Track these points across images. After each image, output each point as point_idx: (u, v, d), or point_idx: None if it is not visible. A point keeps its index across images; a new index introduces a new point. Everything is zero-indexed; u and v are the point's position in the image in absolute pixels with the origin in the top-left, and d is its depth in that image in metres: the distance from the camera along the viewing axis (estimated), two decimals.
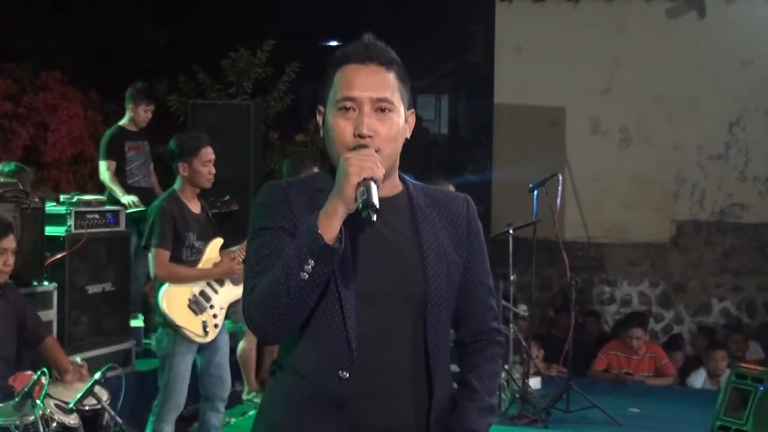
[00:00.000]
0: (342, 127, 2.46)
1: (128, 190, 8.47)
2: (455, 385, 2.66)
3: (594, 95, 12.22)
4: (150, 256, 5.83)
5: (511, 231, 8.19)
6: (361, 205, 2.29)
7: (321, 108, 2.57)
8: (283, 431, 2.50)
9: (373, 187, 2.30)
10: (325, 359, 2.43)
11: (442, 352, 2.52)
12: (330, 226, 2.31)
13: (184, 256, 5.87)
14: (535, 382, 8.61)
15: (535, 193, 8.37)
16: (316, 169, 7.21)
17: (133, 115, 8.68)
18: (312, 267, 2.30)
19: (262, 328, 2.41)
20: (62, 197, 7.14)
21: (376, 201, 2.28)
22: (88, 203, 7.13)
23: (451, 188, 8.05)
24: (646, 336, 9.79)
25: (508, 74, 12.60)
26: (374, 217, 2.28)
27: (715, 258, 12.02)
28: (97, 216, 7.13)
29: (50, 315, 6.56)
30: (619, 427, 7.71)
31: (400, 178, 2.62)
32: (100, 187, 8.85)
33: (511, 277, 8.27)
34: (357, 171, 2.30)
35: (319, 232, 2.29)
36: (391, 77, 2.50)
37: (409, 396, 2.48)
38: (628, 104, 12.10)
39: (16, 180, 6.64)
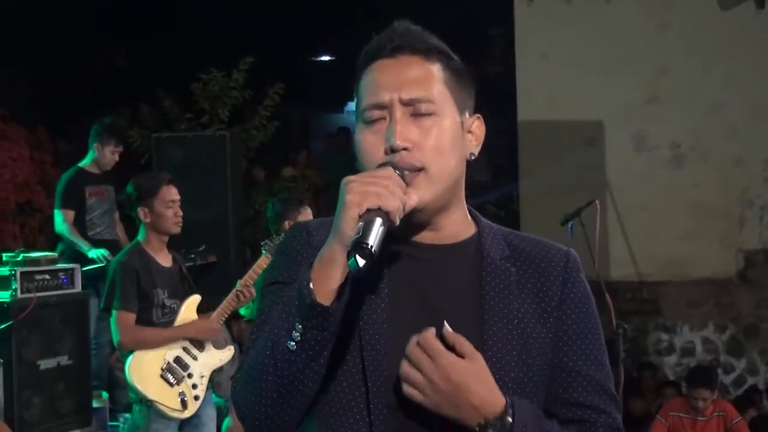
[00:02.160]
0: (370, 144, 2.16)
1: (89, 243, 8.53)
2: None
3: (637, 106, 12.24)
4: (112, 320, 5.86)
5: None
6: (350, 247, 1.94)
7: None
8: None
9: (377, 222, 1.95)
10: None
11: None
12: (326, 277, 1.98)
13: (154, 317, 5.91)
14: None
15: (570, 225, 8.38)
16: (307, 210, 7.25)
17: (98, 156, 8.77)
18: (300, 333, 1.97)
19: (248, 416, 2.10)
20: (5, 256, 7.18)
21: (371, 241, 1.93)
22: (36, 262, 7.18)
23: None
24: (714, 395, 9.74)
25: (533, 86, 12.65)
26: (361, 263, 1.92)
27: None
28: (47, 276, 7.17)
29: None
30: None
31: (472, 215, 2.30)
32: (53, 243, 8.90)
33: None
34: (357, 200, 1.96)
35: (311, 286, 1.96)
36: (433, 69, 2.18)
37: None
38: (679, 115, 12.11)
39: None
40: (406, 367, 2.02)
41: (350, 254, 1.94)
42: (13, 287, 6.91)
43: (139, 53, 15.33)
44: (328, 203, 14.84)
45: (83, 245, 8.43)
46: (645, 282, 12.15)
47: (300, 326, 1.98)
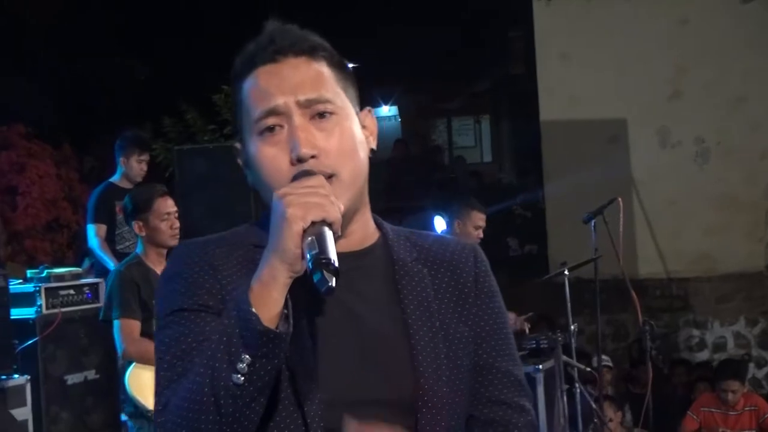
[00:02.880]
0: (271, 158, 2.00)
1: (117, 257, 8.52)
2: None
3: (660, 103, 12.17)
4: (114, 330, 5.80)
5: (566, 272, 8.15)
6: (310, 265, 1.79)
7: (237, 146, 2.14)
8: None
9: (328, 234, 1.81)
10: None
11: None
12: (268, 299, 1.81)
13: (154, 329, 5.83)
14: None
15: (592, 224, 8.33)
16: None
17: (126, 169, 8.75)
18: (248, 365, 1.79)
19: None
20: (29, 272, 7.20)
21: (333, 256, 1.79)
22: (60, 277, 7.20)
23: (480, 216, 8.07)
24: (744, 388, 9.66)
25: (554, 86, 12.60)
26: (333, 282, 1.78)
27: None
28: (71, 292, 7.19)
29: (24, 413, 6.61)
30: None
31: (375, 221, 2.19)
32: (81, 258, 8.91)
33: (572, 327, 8.21)
34: (301, 213, 1.81)
35: (253, 310, 1.79)
36: (321, 68, 2.05)
37: None
38: (703, 110, 12.03)
39: None
40: None
41: (315, 273, 1.78)
42: (38, 303, 6.92)
43: (161, 67, 15.36)
44: None
45: (109, 261, 8.41)
46: (674, 278, 12.06)
47: (247, 357, 1.79)
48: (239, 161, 2.13)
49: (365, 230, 2.14)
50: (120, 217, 8.67)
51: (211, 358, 1.83)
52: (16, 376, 6.66)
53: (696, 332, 12.25)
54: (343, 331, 2.00)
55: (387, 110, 21.15)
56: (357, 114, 2.11)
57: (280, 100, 1.99)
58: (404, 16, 15.70)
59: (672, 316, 12.02)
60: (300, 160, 1.96)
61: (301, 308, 1.90)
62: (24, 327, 6.86)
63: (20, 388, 6.65)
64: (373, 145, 2.14)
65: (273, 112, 1.99)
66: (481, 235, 8.18)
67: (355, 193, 2.05)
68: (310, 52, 2.05)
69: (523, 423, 2.14)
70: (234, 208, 8.83)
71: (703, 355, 12.14)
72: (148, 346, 5.73)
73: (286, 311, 1.82)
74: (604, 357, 9.91)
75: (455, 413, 2.05)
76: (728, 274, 12.07)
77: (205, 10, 15.58)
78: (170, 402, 1.90)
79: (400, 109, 20.90)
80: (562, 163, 12.56)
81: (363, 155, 2.07)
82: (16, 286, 7.01)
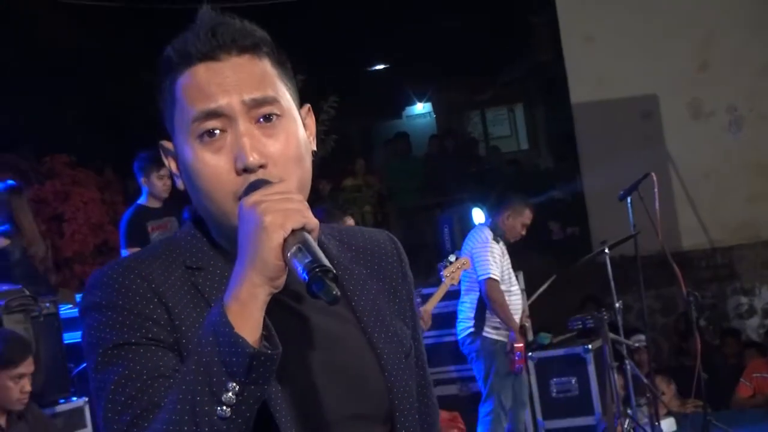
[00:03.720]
0: (213, 167, 1.76)
1: None
2: None
3: (689, 75, 12.13)
4: None
5: (606, 250, 8.14)
6: (306, 276, 1.58)
7: (165, 144, 1.88)
8: None
9: (311, 240, 1.62)
10: None
11: None
12: (250, 320, 1.61)
13: None
14: (668, 424, 8.50)
15: (629, 200, 8.31)
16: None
17: (150, 188, 8.75)
18: (236, 392, 1.59)
19: None
20: (78, 297, 7.26)
21: (327, 262, 1.59)
22: None
23: (527, 213, 8.13)
24: None
25: (582, 69, 12.60)
26: (336, 291, 1.58)
27: None
28: None
29: None
30: None
31: None
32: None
33: (617, 305, 8.20)
34: (280, 221, 1.61)
35: (236, 332, 1.58)
36: (265, 65, 1.82)
37: None
38: (733, 79, 11.98)
39: (19, 287, 6.78)
40: None
41: (313, 283, 1.57)
42: None
43: None
44: (395, 210, 14.89)
45: None
46: (718, 248, 12.01)
47: (234, 385, 1.58)
48: (166, 162, 1.89)
49: None
50: (154, 236, 8.69)
51: (185, 395, 1.60)
52: (74, 399, 6.72)
53: (744, 299, 12.18)
54: (309, 349, 1.83)
55: (421, 107, 21.14)
56: (298, 112, 1.88)
57: (222, 101, 1.75)
58: (429, 15, 15.70)
59: (719, 285, 11.97)
60: (247, 170, 1.74)
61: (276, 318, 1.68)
62: (77, 351, 6.89)
63: (79, 411, 6.69)
64: (313, 145, 1.92)
65: (214, 113, 1.76)
66: (524, 233, 8.27)
67: (305, 197, 1.80)
68: (254, 48, 1.81)
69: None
70: None
71: (754, 322, 12.08)
72: None
73: (267, 331, 1.63)
74: (641, 336, 9.87)
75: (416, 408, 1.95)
76: None
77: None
78: None
79: (433, 106, 20.88)
80: (596, 144, 12.54)
81: (308, 160, 1.86)
82: (67, 311, 7.07)
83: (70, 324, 6.98)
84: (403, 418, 1.89)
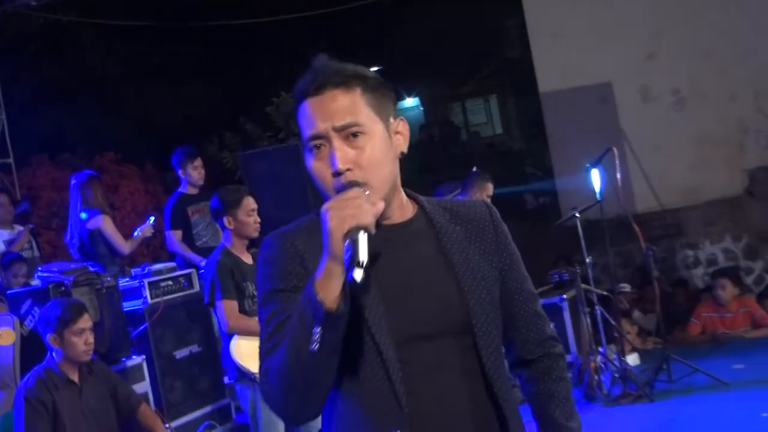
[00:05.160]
0: (320, 170, 2.18)
1: (199, 252, 8.55)
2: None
3: (639, 64, 12.10)
4: (218, 310, 5.82)
5: (577, 215, 8.15)
6: (346, 263, 2.00)
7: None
8: None
9: (362, 238, 1.99)
10: (373, 420, 2.15)
11: (503, 378, 2.28)
12: (330, 289, 2.02)
13: (246, 306, 5.82)
14: (633, 359, 8.54)
15: (594, 171, 8.32)
16: (490, 184, 7.86)
17: (188, 178, 8.76)
18: (320, 335, 2.02)
19: (286, 414, 2.19)
20: (133, 271, 7.28)
21: (363, 256, 1.98)
22: (159, 272, 7.27)
23: (490, 187, 8.14)
24: (735, 288, 9.62)
25: (548, 62, 12.56)
26: (359, 277, 1.97)
27: None
28: (170, 283, 7.26)
29: (144, 387, 6.71)
30: (725, 387, 7.60)
31: (410, 196, 2.35)
32: (172, 255, 8.95)
33: (587, 260, 8.22)
34: (338, 224, 2.00)
35: (319, 298, 2.01)
36: (354, 96, 2.18)
37: (480, 423, 2.23)
38: (676, 66, 11.95)
39: (84, 265, 6.79)
40: None
41: (348, 269, 1.99)
42: (144, 295, 7.00)
43: (221, 90, 15.44)
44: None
45: (193, 257, 8.44)
46: (667, 210, 12.01)
47: (318, 329, 2.02)
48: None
49: (402, 208, 2.30)
50: (194, 218, 8.71)
51: (294, 335, 2.06)
52: (134, 356, 6.76)
53: (690, 252, 12.19)
54: (407, 284, 2.20)
55: (410, 101, 21.14)
56: (389, 124, 2.25)
57: (321, 127, 2.16)
58: (418, 20, 15.68)
59: (669, 241, 11.97)
60: (338, 174, 2.14)
61: (369, 269, 2.04)
62: (135, 316, 6.95)
63: (138, 367, 6.75)
64: (404, 148, 2.28)
65: (316, 137, 2.17)
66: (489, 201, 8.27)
67: (387, 191, 2.20)
68: (345, 83, 2.18)
69: (560, 350, 2.51)
70: (293, 198, 8.84)
71: (699, 271, 12.09)
72: (247, 321, 5.77)
73: (344, 296, 2.03)
74: (624, 284, 9.94)
75: (497, 330, 2.30)
76: (713, 201, 11.99)
77: (251, 42, 15.62)
78: (270, 367, 2.13)
79: (421, 100, 20.87)
80: (562, 126, 12.53)
81: (391, 160, 2.23)
82: (124, 283, 7.09)
83: (127, 294, 7.02)
84: (481, 330, 2.23)
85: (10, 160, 11.61)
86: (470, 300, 2.23)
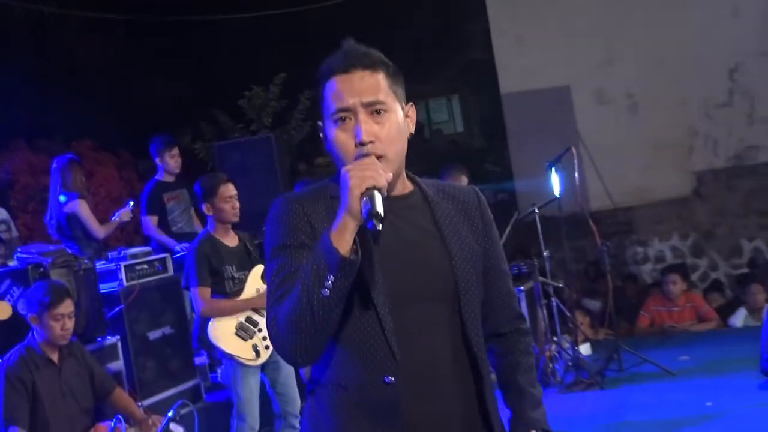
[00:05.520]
0: (343, 140, 2.33)
1: (174, 237, 8.50)
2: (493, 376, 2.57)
3: (594, 68, 12.19)
4: (192, 295, 5.86)
5: (536, 210, 8.18)
6: (365, 215, 2.17)
7: (320, 123, 2.45)
8: None
9: (377, 196, 2.18)
10: (366, 366, 2.31)
11: (481, 343, 2.46)
12: (343, 239, 2.17)
13: (227, 288, 5.88)
14: (585, 349, 8.59)
15: (553, 170, 8.35)
16: (464, 177, 7.90)
17: (165, 166, 8.69)
18: (332, 282, 2.17)
19: (292, 355, 2.28)
20: (109, 254, 7.22)
21: (380, 209, 2.17)
22: (135, 256, 7.21)
23: (465, 179, 8.15)
24: (683, 284, 9.71)
25: (509, 64, 12.62)
26: (379, 227, 2.16)
27: (737, 201, 11.93)
28: (145, 266, 7.20)
29: (119, 366, 6.66)
30: (672, 377, 7.67)
31: (408, 176, 2.51)
32: (146, 239, 8.90)
33: (545, 253, 8.26)
34: (358, 183, 2.18)
35: (334, 246, 2.16)
36: (379, 78, 2.37)
37: (458, 390, 2.39)
38: (631, 71, 12.05)
39: (62, 247, 6.72)
40: None
41: (367, 220, 2.17)
42: (120, 278, 6.94)
43: (194, 82, 15.35)
44: None
45: (168, 241, 8.39)
46: (619, 208, 12.12)
47: (332, 276, 2.17)
48: (320, 134, 2.45)
49: (404, 184, 2.47)
50: (170, 205, 8.66)
51: (306, 280, 2.20)
52: (109, 337, 6.71)
53: (640, 249, 12.32)
54: (402, 250, 2.37)
55: None
56: (402, 107, 2.43)
57: (350, 102, 2.32)
58: (388, 21, 15.66)
59: (620, 238, 12.10)
60: (362, 144, 2.30)
61: (369, 238, 2.27)
62: (110, 298, 6.88)
63: (113, 347, 6.69)
64: (412, 130, 2.45)
65: (345, 109, 2.33)
66: None
67: (398, 165, 2.39)
68: (372, 66, 2.37)
69: (527, 329, 2.65)
70: (264, 187, 8.83)
71: (647, 267, 12.24)
72: (218, 304, 5.82)
73: (355, 247, 2.19)
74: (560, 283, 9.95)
75: (479, 300, 2.46)
76: (662, 201, 12.13)
77: (223, 37, 15.54)
78: (278, 314, 2.27)
79: None
80: (521, 126, 12.59)
81: (404, 139, 2.41)
82: (101, 266, 7.03)
83: (104, 276, 6.96)
84: (465, 296, 2.39)
85: None
86: (459, 269, 2.39)
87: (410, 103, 2.47)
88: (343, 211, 2.20)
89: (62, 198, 7.97)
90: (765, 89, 11.71)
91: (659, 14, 11.86)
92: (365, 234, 2.25)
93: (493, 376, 2.56)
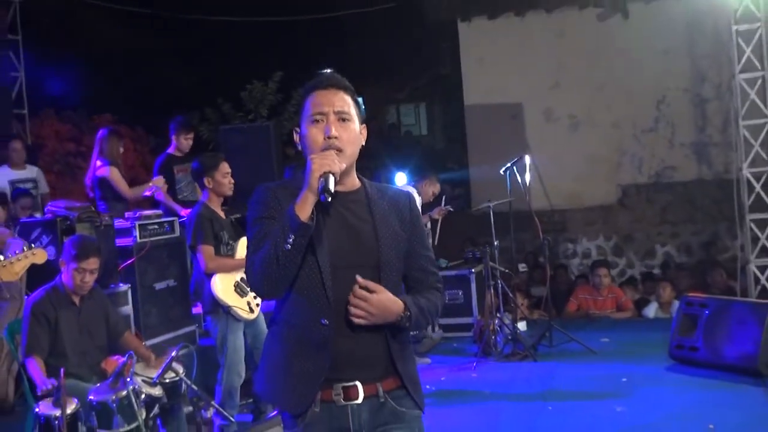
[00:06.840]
0: (314, 134, 2.65)
1: (179, 204, 8.40)
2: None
3: (545, 90, 12.22)
4: (199, 254, 5.75)
5: (491, 205, 8.20)
6: (321, 190, 2.47)
7: (297, 129, 2.75)
8: (281, 370, 2.68)
9: (331, 178, 2.49)
10: (310, 311, 2.62)
11: None
12: (303, 209, 2.50)
13: (222, 251, 5.79)
14: (522, 326, 8.63)
15: (508, 174, 8.36)
16: (436, 181, 8.30)
17: (178, 144, 8.58)
18: (293, 240, 2.49)
19: (260, 288, 2.60)
20: (126, 214, 7.12)
21: (332, 187, 2.48)
22: (148, 217, 7.11)
23: (437, 185, 8.17)
24: (608, 277, 9.77)
25: (474, 81, 12.62)
26: (329, 199, 2.48)
27: (655, 212, 12.05)
28: (156, 227, 7.10)
29: (128, 310, 6.57)
30: (594, 355, 7.73)
31: (359, 177, 2.79)
32: (153, 204, 8.78)
33: (495, 243, 8.28)
34: (318, 167, 2.50)
35: (297, 213, 2.49)
36: (347, 98, 2.70)
37: (373, 337, 2.65)
38: (575, 95, 12.11)
39: (87, 204, 6.62)
40: (353, 308, 2.57)
41: (321, 194, 2.46)
42: (134, 235, 6.85)
43: (204, 73, 15.19)
44: None
45: (174, 206, 8.28)
46: (555, 210, 12.17)
47: (292, 236, 2.49)
48: (295, 137, 2.74)
49: (353, 181, 2.77)
50: (179, 176, 8.54)
51: (274, 239, 2.53)
52: (121, 284, 6.62)
53: (570, 246, 12.40)
54: (344, 231, 2.67)
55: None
56: (359, 124, 2.73)
57: (325, 108, 2.66)
58: (367, 33, 15.53)
59: (554, 235, 12.12)
60: (329, 138, 2.62)
61: (322, 221, 2.60)
62: (125, 251, 6.79)
63: (124, 294, 6.60)
64: (363, 142, 2.76)
65: (321, 113, 2.66)
66: (432, 200, 8.30)
67: (351, 162, 2.69)
68: (344, 89, 2.71)
69: (436, 279, 2.87)
70: (261, 168, 8.74)
71: (575, 261, 12.31)
72: (222, 261, 5.73)
73: (312, 216, 2.51)
74: (522, 265, 10.02)
75: (398, 272, 2.75)
76: (592, 207, 12.22)
77: (231, 36, 15.35)
78: (255, 261, 2.58)
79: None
80: (480, 134, 12.60)
81: (358, 144, 2.72)
82: (119, 223, 6.93)
83: (120, 232, 6.86)
84: (385, 268, 2.67)
85: (25, 111, 11.33)
86: (383, 248, 2.68)
87: (364, 125, 2.77)
88: (305, 188, 2.50)
89: (99, 163, 7.88)
90: (685, 119, 11.85)
91: (601, 49, 11.92)
92: (320, 214, 2.56)
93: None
